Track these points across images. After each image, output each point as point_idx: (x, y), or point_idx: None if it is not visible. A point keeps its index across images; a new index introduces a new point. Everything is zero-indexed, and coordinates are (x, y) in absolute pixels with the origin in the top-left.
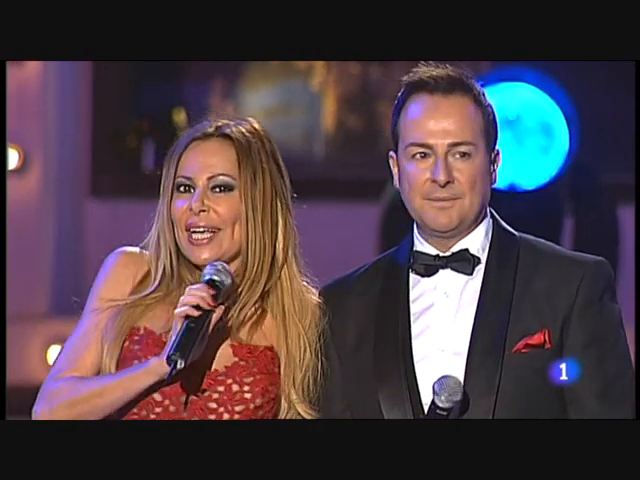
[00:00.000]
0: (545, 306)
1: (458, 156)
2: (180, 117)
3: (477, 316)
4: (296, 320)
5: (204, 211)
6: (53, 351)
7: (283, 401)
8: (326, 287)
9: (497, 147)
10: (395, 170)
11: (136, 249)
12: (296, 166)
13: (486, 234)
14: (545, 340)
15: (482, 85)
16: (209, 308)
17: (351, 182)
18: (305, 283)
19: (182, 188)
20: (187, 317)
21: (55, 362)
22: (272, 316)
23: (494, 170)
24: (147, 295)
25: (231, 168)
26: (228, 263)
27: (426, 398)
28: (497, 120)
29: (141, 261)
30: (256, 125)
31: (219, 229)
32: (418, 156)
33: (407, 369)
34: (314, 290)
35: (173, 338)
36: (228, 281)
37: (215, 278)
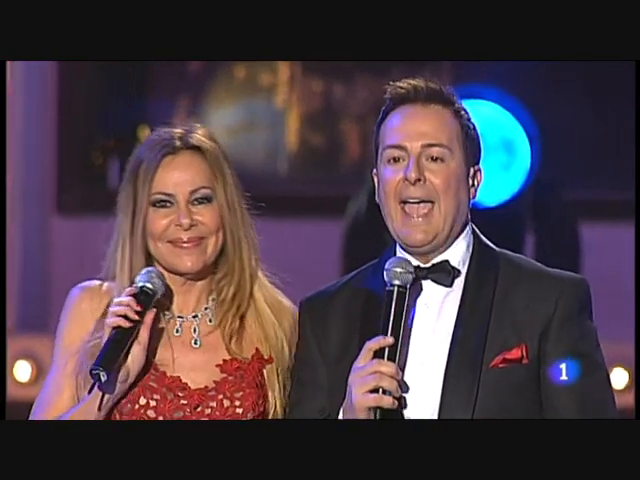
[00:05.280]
0: (523, 321)
1: (431, 159)
2: (145, 134)
3: (455, 329)
4: (273, 322)
5: (194, 225)
6: (19, 367)
7: (271, 409)
8: (308, 298)
9: (479, 165)
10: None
11: (94, 282)
12: (260, 183)
13: (467, 248)
14: (523, 355)
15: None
16: (136, 318)
17: (314, 199)
18: (275, 288)
19: (159, 204)
20: (116, 328)
21: (35, 403)
22: (252, 322)
23: (474, 186)
24: None
25: (208, 179)
26: (212, 273)
27: (406, 412)
28: (480, 140)
29: (100, 294)
30: (208, 131)
31: (204, 238)
32: (392, 160)
33: None
34: (284, 296)
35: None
36: (162, 289)
37: (148, 286)
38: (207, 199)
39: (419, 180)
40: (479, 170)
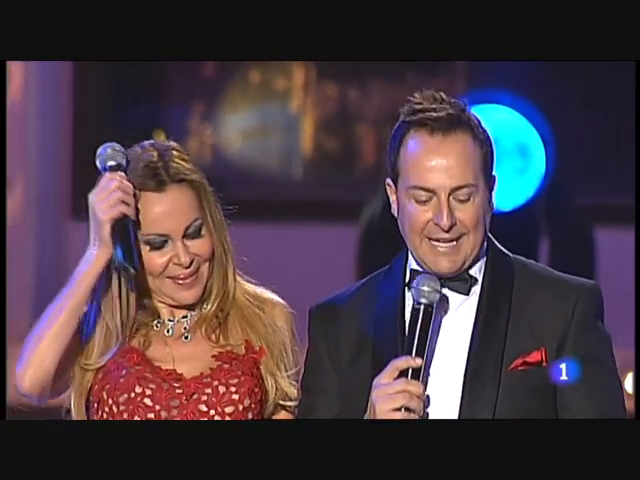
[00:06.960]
0: (541, 326)
1: (460, 199)
2: (160, 138)
3: (474, 335)
4: (256, 312)
5: (192, 261)
6: None
7: (270, 400)
8: (318, 306)
9: (493, 173)
10: (393, 198)
11: None
12: (274, 188)
13: (483, 255)
14: (542, 358)
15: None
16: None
17: (329, 203)
18: (249, 283)
19: (156, 244)
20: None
21: None
22: (235, 318)
23: (492, 197)
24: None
25: (198, 213)
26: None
27: (426, 413)
28: (493, 147)
29: None
30: (182, 151)
31: (199, 268)
32: (420, 198)
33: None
34: (266, 290)
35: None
36: (124, 160)
37: (114, 163)
38: (199, 232)
39: (452, 226)
40: (494, 179)
